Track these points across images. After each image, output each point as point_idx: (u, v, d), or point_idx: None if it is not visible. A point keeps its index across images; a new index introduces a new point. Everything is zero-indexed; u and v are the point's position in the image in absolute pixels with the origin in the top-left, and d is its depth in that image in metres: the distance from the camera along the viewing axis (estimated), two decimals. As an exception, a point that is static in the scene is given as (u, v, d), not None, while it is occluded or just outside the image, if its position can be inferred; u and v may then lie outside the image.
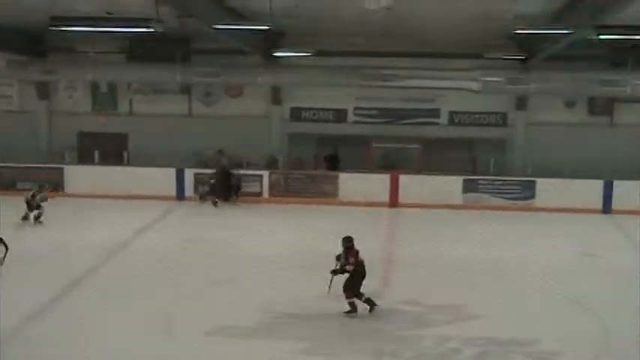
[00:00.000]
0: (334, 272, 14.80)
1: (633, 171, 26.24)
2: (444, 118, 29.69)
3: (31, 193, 22.19)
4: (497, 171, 28.23)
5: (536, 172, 27.17)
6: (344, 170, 28.03)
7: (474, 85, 25.96)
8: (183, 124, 30.11)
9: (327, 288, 14.85)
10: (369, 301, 14.76)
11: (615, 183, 25.71)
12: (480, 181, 26.61)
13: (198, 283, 16.48)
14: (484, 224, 23.69)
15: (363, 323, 14.31)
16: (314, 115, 30.23)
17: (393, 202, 26.46)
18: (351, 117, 30.08)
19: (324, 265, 15.03)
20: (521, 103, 29.09)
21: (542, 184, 26.14)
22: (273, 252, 19.64)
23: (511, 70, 26.63)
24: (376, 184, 26.65)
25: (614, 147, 27.46)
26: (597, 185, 25.83)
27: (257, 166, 28.47)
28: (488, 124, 29.47)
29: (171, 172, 27.18)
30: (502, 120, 29.56)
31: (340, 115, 30.11)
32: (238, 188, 26.69)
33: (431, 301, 15.46)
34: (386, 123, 29.70)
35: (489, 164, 28.72)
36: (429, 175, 26.27)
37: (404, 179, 26.59)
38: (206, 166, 27.54)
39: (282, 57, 27.56)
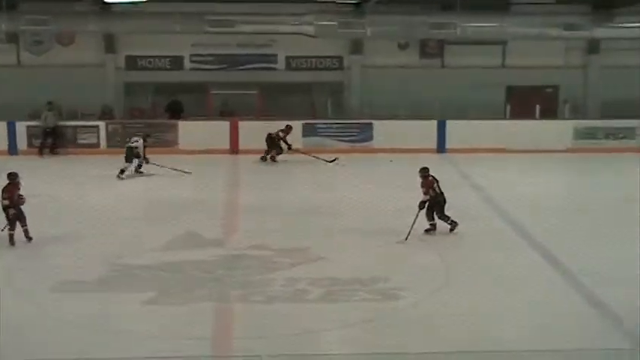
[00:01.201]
0: (421, 205, 16.23)
1: (464, 111, 27.27)
2: (281, 63, 29.77)
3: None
4: (336, 114, 28.68)
5: (373, 114, 27.72)
6: (183, 118, 27.73)
7: (310, 30, 26.09)
8: (11, 75, 28.76)
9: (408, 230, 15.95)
10: (453, 223, 16.45)
11: (448, 123, 26.62)
12: (319, 125, 26.95)
13: (39, 239, 15.98)
14: (325, 167, 24.08)
15: (210, 271, 14.33)
16: (150, 63, 29.64)
17: (234, 148, 26.46)
18: (188, 64, 29.68)
19: (167, 216, 14.92)
20: (356, 46, 29.53)
21: (380, 126, 26.75)
22: (115, 204, 19.27)
23: (346, 14, 26.92)
24: (216, 131, 26.54)
25: (446, 88, 28.35)
26: (431, 126, 26.68)
27: (92, 117, 27.72)
28: (325, 68, 29.82)
29: (1, 126, 26.12)
30: (338, 64, 29.96)
31: (177, 62, 29.66)
32: (56, 140, 26.12)
33: (276, 245, 15.65)
34: (223, 69, 29.52)
35: (327, 108, 29.13)
36: (267, 120, 26.33)
37: (243, 125, 26.59)
38: (38, 119, 26.55)
39: (115, 3, 26.72)
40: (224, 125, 26.66)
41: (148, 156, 22.47)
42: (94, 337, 11.46)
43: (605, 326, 11.86)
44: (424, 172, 16.51)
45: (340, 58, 29.89)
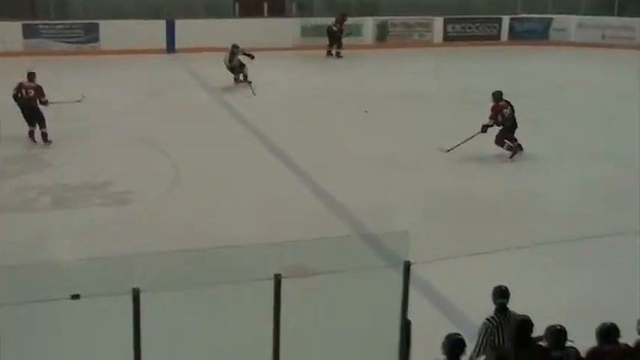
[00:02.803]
0: (483, 129, 15.04)
1: (192, 10, 26.99)
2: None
3: None
4: (59, 15, 27.25)
5: (99, 13, 26.63)
6: None
7: None
8: None
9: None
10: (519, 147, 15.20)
11: (177, 22, 26.22)
12: (41, 26, 25.60)
13: None
14: (49, 70, 22.93)
15: None
16: None
17: None
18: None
19: None
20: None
21: (106, 27, 25.83)
22: None
23: None
24: None
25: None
26: (160, 25, 26.15)
27: None
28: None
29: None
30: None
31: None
32: None
33: (5, 154, 14.93)
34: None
35: (49, 8, 27.61)
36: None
37: None
38: None
39: None
40: None
41: None
42: None
43: (331, 218, 12.50)
44: (496, 95, 15.12)
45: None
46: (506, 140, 15.12)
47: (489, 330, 7.01)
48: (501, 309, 7.13)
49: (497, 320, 7.06)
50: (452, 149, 15.20)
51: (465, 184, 13.88)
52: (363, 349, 8.16)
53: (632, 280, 9.78)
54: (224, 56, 21.07)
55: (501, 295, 7.19)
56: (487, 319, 7.09)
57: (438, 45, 28.74)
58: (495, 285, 7.30)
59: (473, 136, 15.01)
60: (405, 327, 6.53)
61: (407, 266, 6.54)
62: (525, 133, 15.28)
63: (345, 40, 26.48)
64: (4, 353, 6.34)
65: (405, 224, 10.70)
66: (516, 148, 15.16)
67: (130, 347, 6.11)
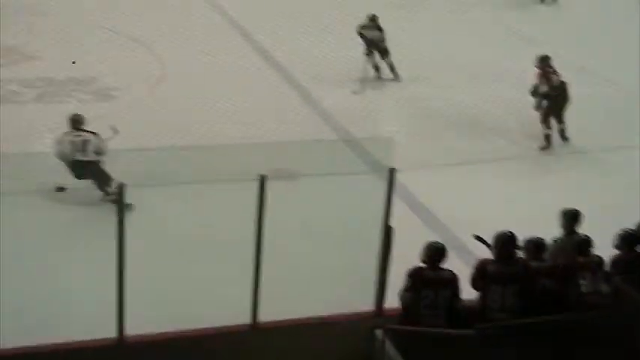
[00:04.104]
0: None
1: None
2: None
3: None
4: None
5: None
6: None
7: None
8: None
9: None
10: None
11: None
12: None
13: None
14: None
15: None
16: None
17: None
18: None
19: None
20: None
21: None
22: None
23: None
24: None
25: None
26: None
27: None
28: None
29: None
30: None
31: None
32: None
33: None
34: None
35: None
36: None
37: None
38: None
39: None
40: None
41: None
42: None
43: (318, 122, 12.49)
44: (540, 61, 12.28)
45: None
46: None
47: None
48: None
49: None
50: None
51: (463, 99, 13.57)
52: (344, 252, 8.26)
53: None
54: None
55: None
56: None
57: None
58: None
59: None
60: (387, 232, 6.58)
61: (391, 172, 6.57)
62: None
63: None
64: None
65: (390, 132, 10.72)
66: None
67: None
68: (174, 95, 13.07)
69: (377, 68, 14.51)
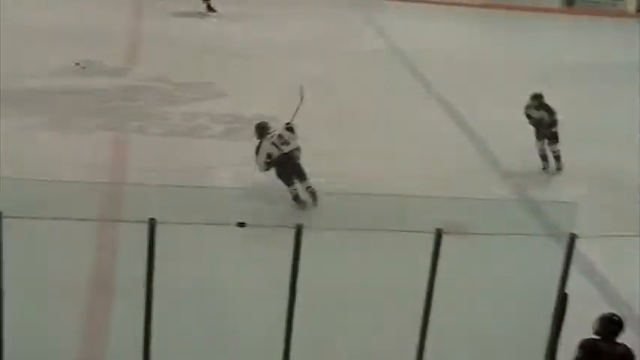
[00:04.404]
0: None
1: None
2: None
3: None
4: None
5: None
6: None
7: None
8: None
9: None
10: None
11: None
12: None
13: None
14: (230, 2, 23.35)
15: (107, 101, 14.10)
16: None
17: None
18: None
19: (69, 40, 14.40)
20: None
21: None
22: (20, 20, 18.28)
23: None
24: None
25: None
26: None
27: None
28: None
29: None
30: None
31: None
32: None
33: (179, 79, 15.43)
34: None
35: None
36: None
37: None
38: None
39: None
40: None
41: None
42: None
43: (494, 179, 12.24)
44: None
45: None
46: None
47: None
48: None
49: None
50: None
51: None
52: (513, 315, 8.01)
53: None
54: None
55: None
56: None
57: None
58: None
59: None
60: (562, 299, 6.33)
61: (572, 238, 6.32)
62: None
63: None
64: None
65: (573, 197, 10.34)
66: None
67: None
68: (355, 142, 13.19)
69: (544, 157, 12.65)
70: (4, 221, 5.80)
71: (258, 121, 11.41)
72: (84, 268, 8.92)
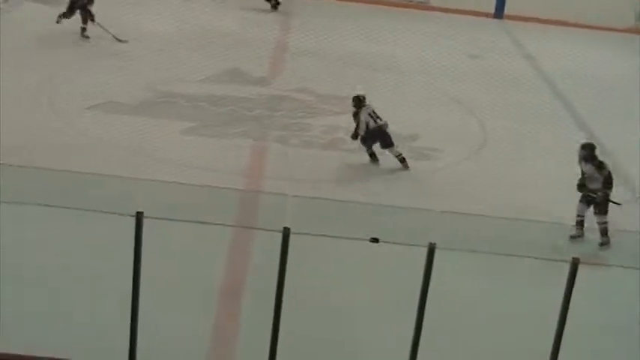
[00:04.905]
0: None
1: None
2: None
3: None
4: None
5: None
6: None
7: None
8: None
9: None
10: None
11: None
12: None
13: (82, 55, 16.05)
14: (380, 19, 23.45)
15: (250, 109, 14.37)
16: None
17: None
18: None
19: (216, 49, 14.80)
20: None
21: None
22: (163, 29, 18.91)
23: None
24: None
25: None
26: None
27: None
28: None
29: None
30: None
31: None
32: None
33: (320, 91, 15.57)
34: None
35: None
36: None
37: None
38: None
39: None
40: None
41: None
42: (129, 157, 11.72)
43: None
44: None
45: None
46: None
47: None
48: None
49: None
50: None
51: None
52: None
53: None
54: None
55: None
56: None
57: None
58: None
59: None
60: None
61: None
62: None
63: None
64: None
65: None
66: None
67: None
68: (493, 163, 12.97)
69: None
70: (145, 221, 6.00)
71: (356, 94, 12.77)
72: (216, 272, 9.12)
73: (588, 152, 10.78)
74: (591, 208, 10.66)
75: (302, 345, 7.50)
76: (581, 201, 10.71)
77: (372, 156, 12.73)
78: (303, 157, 12.63)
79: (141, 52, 16.61)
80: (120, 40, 17.03)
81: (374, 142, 12.64)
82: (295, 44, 19.25)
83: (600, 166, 10.72)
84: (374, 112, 12.59)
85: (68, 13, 17.04)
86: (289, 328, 6.46)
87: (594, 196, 10.59)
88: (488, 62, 19.54)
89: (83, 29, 17.15)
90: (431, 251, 6.03)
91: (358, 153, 12.86)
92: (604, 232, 10.56)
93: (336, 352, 7.86)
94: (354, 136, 12.68)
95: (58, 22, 17.04)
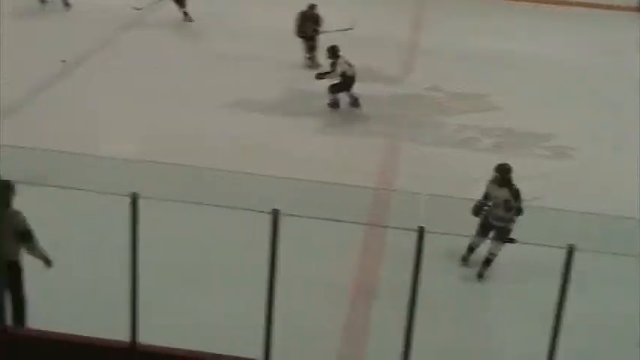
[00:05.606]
0: None
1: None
2: None
3: None
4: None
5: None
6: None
7: None
8: None
9: None
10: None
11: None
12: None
13: (215, 57, 16.40)
14: (509, 16, 22.93)
15: (382, 108, 14.36)
16: None
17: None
18: None
19: (346, 48, 14.79)
20: None
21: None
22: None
23: None
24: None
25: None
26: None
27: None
28: None
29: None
30: None
31: None
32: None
33: (452, 90, 15.42)
34: None
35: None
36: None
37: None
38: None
39: None
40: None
41: None
42: (254, 153, 11.92)
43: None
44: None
45: None
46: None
47: None
48: None
49: None
50: None
51: None
52: None
53: None
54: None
55: None
56: None
57: None
58: None
59: None
60: None
61: None
62: None
63: None
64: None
65: None
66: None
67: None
68: (626, 164, 12.57)
69: None
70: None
71: (331, 45, 13.83)
72: (349, 270, 9.14)
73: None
74: None
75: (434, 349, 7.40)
76: None
77: (334, 105, 13.89)
78: (436, 156, 12.52)
79: (273, 51, 16.77)
80: (346, 29, 16.27)
81: (343, 89, 13.77)
82: (427, 42, 19.05)
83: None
84: (349, 61, 13.64)
85: None
86: (419, 330, 6.37)
87: None
88: (629, 59, 18.79)
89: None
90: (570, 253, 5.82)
91: (492, 152, 12.64)
92: None
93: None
94: (319, 76, 13.98)
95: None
